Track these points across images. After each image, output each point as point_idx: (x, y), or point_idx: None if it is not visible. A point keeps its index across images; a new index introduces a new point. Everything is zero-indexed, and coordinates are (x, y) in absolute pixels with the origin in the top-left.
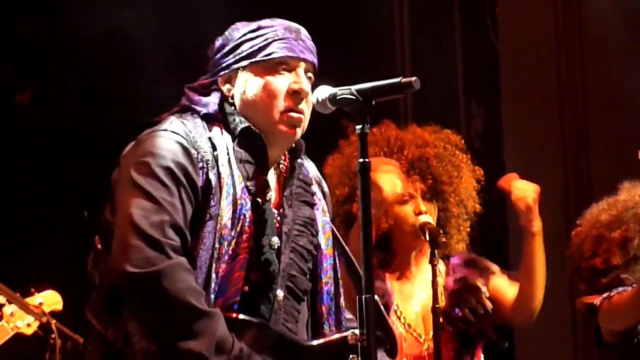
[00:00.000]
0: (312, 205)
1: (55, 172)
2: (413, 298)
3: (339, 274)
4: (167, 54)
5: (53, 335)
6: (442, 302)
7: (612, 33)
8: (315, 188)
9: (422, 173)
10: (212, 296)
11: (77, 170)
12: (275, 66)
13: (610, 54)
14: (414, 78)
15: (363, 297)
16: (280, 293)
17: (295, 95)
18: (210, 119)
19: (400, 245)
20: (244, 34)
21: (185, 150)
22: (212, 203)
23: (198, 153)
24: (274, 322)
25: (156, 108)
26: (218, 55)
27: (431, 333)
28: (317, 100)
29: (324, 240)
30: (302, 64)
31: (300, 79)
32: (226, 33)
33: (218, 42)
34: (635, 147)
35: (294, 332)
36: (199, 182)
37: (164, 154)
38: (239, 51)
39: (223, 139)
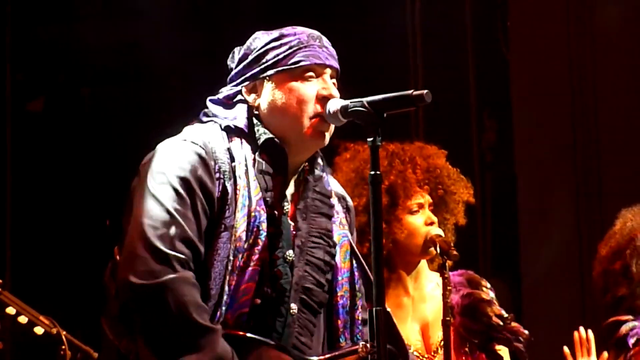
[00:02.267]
0: (329, 217)
1: (67, 180)
2: (411, 316)
3: (356, 287)
4: (180, 64)
5: (63, 347)
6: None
7: (623, 44)
8: (334, 201)
9: (431, 184)
10: (224, 308)
11: (90, 179)
12: (302, 73)
13: (623, 65)
14: (425, 91)
15: (374, 309)
16: (294, 306)
17: (325, 101)
18: (231, 131)
19: (402, 261)
20: (267, 43)
21: (203, 160)
22: (227, 214)
23: (216, 164)
24: (287, 336)
25: (168, 118)
26: (241, 66)
27: (432, 350)
28: (329, 112)
29: (341, 254)
30: (328, 71)
31: (328, 84)
32: (247, 43)
33: (239, 52)
34: None
35: (307, 346)
36: (216, 192)
37: (181, 164)
38: (263, 60)
39: (242, 151)
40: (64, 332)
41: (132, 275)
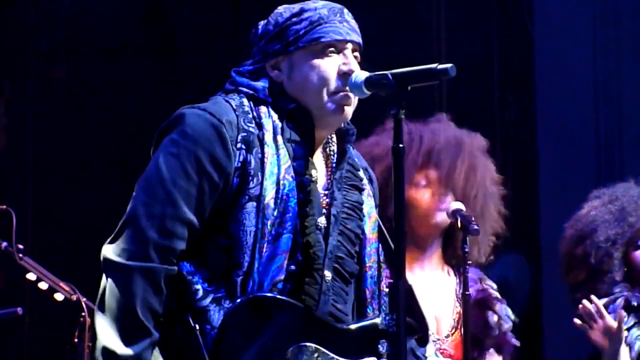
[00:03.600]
0: (360, 189)
1: (89, 147)
2: (426, 300)
3: (381, 259)
4: (204, 36)
5: (83, 314)
6: (455, 306)
7: None
8: (361, 174)
9: (432, 163)
10: (256, 275)
11: (113, 146)
12: (323, 49)
13: None
14: (450, 64)
15: (394, 281)
16: (328, 274)
17: (346, 77)
18: (257, 100)
19: (417, 236)
20: (288, 18)
21: (219, 133)
22: (252, 184)
23: (238, 133)
24: (323, 303)
25: (191, 87)
26: (263, 42)
27: (444, 333)
28: (353, 83)
29: (369, 225)
30: (349, 45)
31: (349, 60)
32: (269, 18)
33: (261, 28)
34: None
35: (344, 313)
36: (232, 167)
37: (195, 137)
38: (284, 36)
39: (270, 118)
40: (84, 299)
41: (109, 246)
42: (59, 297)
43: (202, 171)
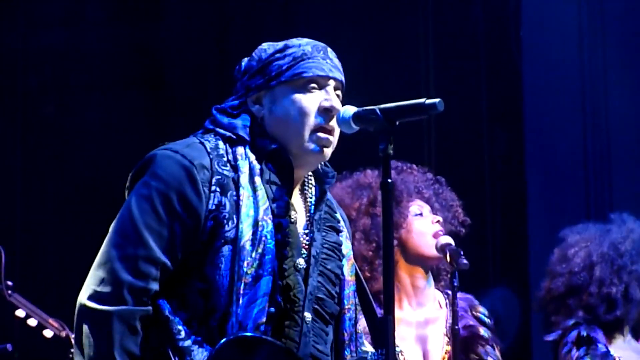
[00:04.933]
0: (338, 231)
1: (78, 182)
2: (414, 335)
3: (356, 301)
4: (193, 72)
5: (72, 350)
6: (445, 343)
7: (636, 53)
8: (338, 215)
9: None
10: (234, 318)
11: (103, 180)
12: (305, 84)
13: (635, 75)
14: (438, 99)
15: (382, 316)
16: (308, 315)
17: (327, 113)
18: (234, 141)
19: (407, 269)
20: (272, 54)
21: (190, 176)
22: (227, 228)
23: (212, 176)
24: (304, 345)
25: (181, 123)
26: (246, 77)
27: None
28: (342, 119)
29: (348, 267)
30: (332, 82)
31: (331, 96)
32: (253, 54)
33: (244, 63)
34: None
35: (324, 354)
36: (203, 210)
37: (167, 179)
38: (267, 71)
39: (247, 160)
40: (73, 335)
41: (85, 294)
42: (48, 333)
43: (173, 212)
